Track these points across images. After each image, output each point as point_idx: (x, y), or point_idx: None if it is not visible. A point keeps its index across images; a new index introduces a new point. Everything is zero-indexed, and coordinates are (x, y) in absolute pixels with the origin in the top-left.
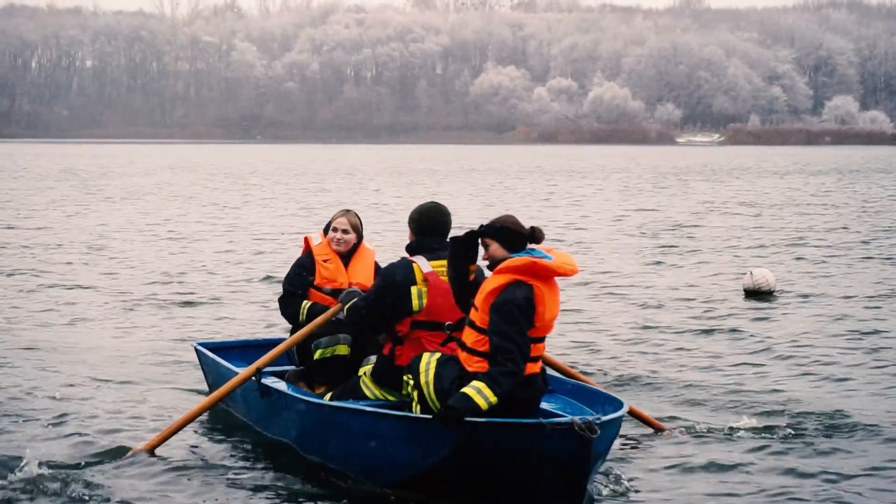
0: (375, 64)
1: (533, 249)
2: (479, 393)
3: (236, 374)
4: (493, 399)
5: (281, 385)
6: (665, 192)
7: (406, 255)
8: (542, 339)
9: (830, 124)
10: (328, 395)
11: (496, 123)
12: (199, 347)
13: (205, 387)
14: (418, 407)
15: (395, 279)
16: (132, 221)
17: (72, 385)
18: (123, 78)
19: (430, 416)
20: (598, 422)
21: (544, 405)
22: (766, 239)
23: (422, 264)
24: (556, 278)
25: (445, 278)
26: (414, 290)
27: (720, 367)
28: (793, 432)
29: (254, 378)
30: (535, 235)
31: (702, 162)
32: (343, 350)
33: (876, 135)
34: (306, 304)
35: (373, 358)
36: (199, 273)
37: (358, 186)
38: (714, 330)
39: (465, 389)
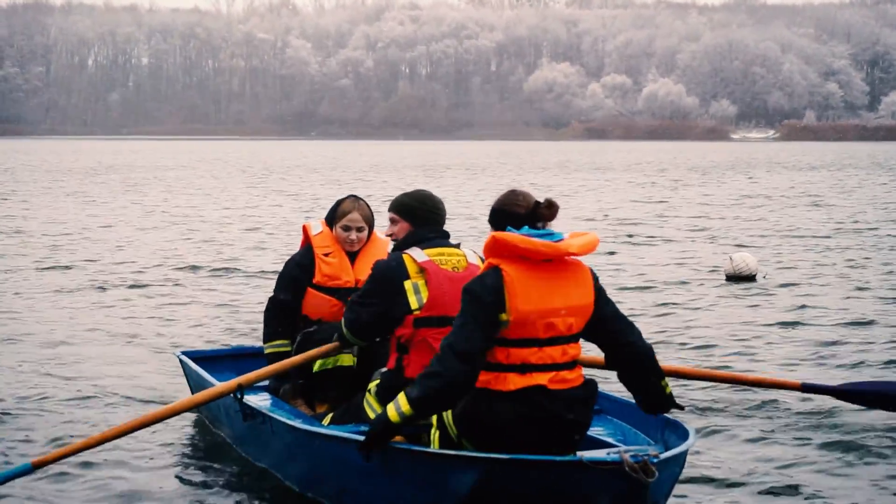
0: (430, 61)
1: (547, 230)
2: (394, 402)
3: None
4: (406, 408)
5: (267, 404)
6: (684, 186)
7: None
8: (559, 341)
9: (887, 120)
10: (328, 417)
11: (550, 119)
12: (183, 357)
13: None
14: (437, 434)
15: (382, 278)
16: (146, 214)
17: (45, 397)
18: (179, 75)
19: (451, 452)
20: (655, 460)
21: (591, 430)
22: (761, 229)
23: (415, 254)
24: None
25: (447, 266)
26: (408, 284)
27: (695, 350)
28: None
29: (235, 396)
30: (538, 212)
31: (741, 157)
32: (347, 360)
33: None
34: (299, 338)
35: (382, 371)
36: (198, 271)
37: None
38: (692, 312)
39: None
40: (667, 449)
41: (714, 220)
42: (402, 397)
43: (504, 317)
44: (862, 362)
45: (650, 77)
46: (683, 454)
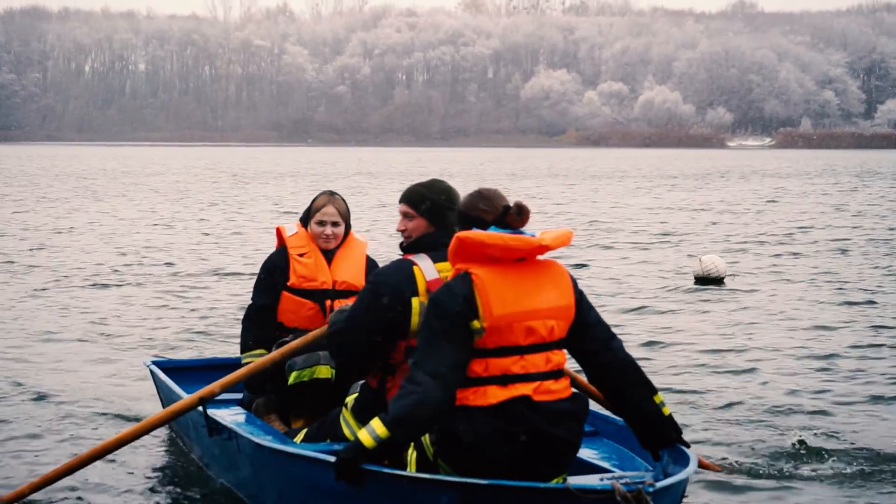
0: (426, 67)
1: (517, 230)
2: (368, 426)
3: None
4: (382, 432)
5: (238, 419)
6: (670, 191)
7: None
8: (541, 348)
9: (883, 128)
10: (302, 433)
11: (547, 127)
12: (153, 367)
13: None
14: (413, 455)
15: (390, 288)
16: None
17: (11, 420)
18: (175, 81)
19: (427, 476)
20: (651, 489)
21: (582, 453)
22: (733, 233)
23: (425, 267)
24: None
25: None
26: (415, 302)
27: (664, 350)
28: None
29: (200, 410)
30: (507, 220)
31: (732, 165)
32: (325, 372)
33: None
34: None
35: (361, 384)
36: (172, 277)
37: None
38: (659, 315)
39: None
40: (665, 476)
41: (688, 225)
42: (376, 421)
43: (477, 324)
44: (829, 367)
45: (646, 84)
46: (683, 483)
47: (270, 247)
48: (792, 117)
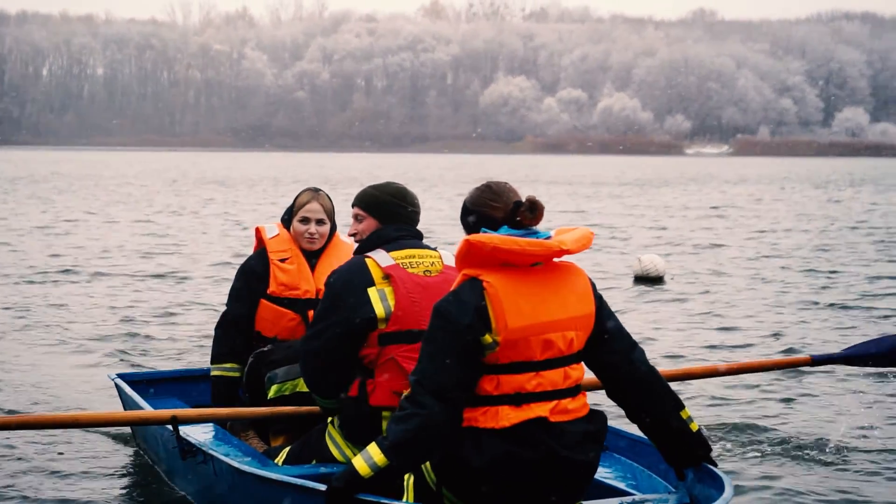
0: (386, 73)
1: (530, 230)
2: (364, 452)
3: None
4: (380, 459)
5: (211, 437)
6: (615, 198)
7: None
8: (559, 363)
9: (840, 136)
10: (284, 453)
11: (505, 133)
12: (118, 381)
13: (126, 429)
14: (411, 480)
15: (341, 286)
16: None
17: None
18: (134, 86)
19: None
20: None
21: (599, 474)
22: (676, 236)
23: (378, 257)
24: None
25: (418, 270)
26: (372, 292)
27: None
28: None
29: (171, 429)
30: (518, 216)
31: (685, 171)
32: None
33: (886, 147)
34: (251, 361)
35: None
36: (135, 282)
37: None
38: None
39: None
40: (691, 499)
41: (630, 229)
42: (373, 447)
43: (490, 339)
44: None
45: (605, 91)
46: None
47: (231, 251)
48: (750, 125)
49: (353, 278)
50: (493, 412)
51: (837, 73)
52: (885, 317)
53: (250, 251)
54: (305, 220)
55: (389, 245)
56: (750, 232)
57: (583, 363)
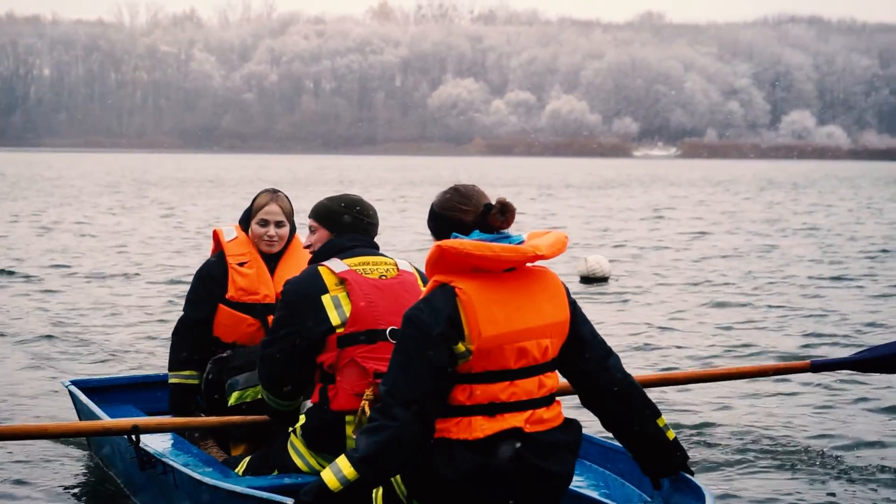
0: (334, 75)
1: (503, 234)
2: (333, 465)
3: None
4: (350, 472)
5: (169, 446)
6: (558, 200)
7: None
8: (533, 371)
9: (787, 139)
10: (245, 463)
11: (454, 135)
12: (72, 387)
13: (81, 438)
14: (379, 493)
15: (295, 295)
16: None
17: None
18: (81, 87)
19: None
20: None
21: (573, 484)
22: (622, 238)
23: (333, 265)
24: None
25: (372, 274)
26: (326, 299)
27: None
28: None
29: (130, 440)
30: (488, 219)
31: (631, 174)
32: None
33: (832, 150)
34: (211, 366)
35: (308, 403)
36: (84, 290)
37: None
38: None
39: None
40: None
41: (576, 230)
42: (343, 460)
43: (462, 347)
44: (716, 355)
45: (553, 94)
46: None
47: (176, 253)
48: (697, 127)
49: (307, 288)
50: (465, 423)
51: (784, 76)
52: (821, 315)
53: (194, 252)
54: (264, 223)
55: (343, 253)
56: (692, 234)
57: (557, 372)
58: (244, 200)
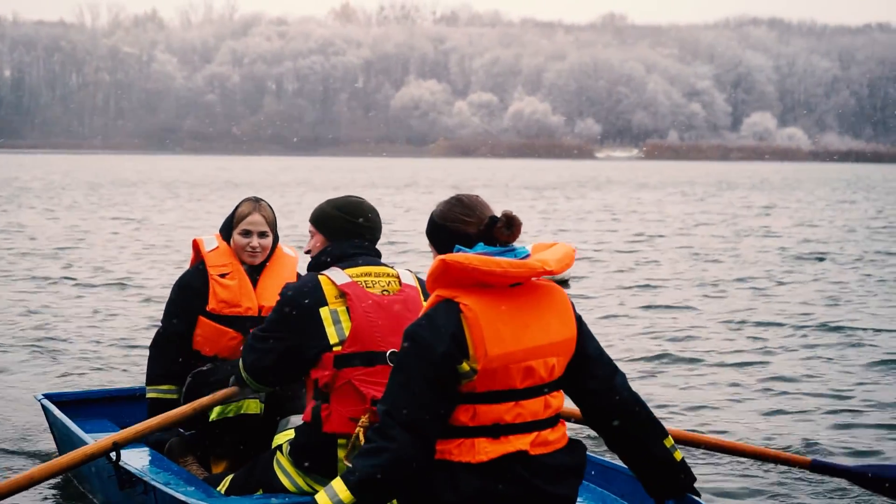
0: (296, 76)
1: (507, 247)
2: (328, 489)
3: (87, 443)
4: (346, 496)
5: (147, 464)
6: (515, 201)
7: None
8: (539, 391)
9: (748, 140)
10: (227, 481)
11: (416, 137)
12: (44, 401)
13: (55, 450)
14: None
15: (292, 304)
16: None
17: None
18: (42, 88)
19: None
20: None
21: None
22: (579, 240)
23: (334, 275)
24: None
25: (375, 289)
26: (325, 312)
27: None
28: None
29: (109, 458)
30: (494, 233)
31: (595, 175)
32: (253, 407)
33: (793, 151)
34: (190, 380)
35: (295, 419)
36: (56, 296)
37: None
38: None
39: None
40: None
41: (535, 233)
42: (338, 483)
43: (467, 366)
44: (662, 354)
45: (516, 95)
46: None
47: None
48: (659, 129)
49: (305, 298)
50: (468, 445)
51: (745, 77)
52: (770, 324)
53: (159, 259)
54: (247, 233)
55: (344, 262)
56: (650, 235)
57: (562, 391)
58: (200, 203)
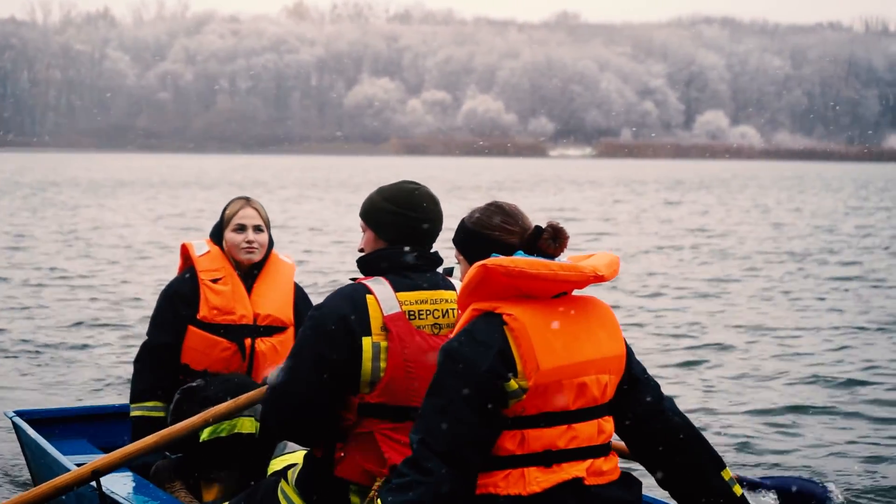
0: (250, 74)
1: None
2: None
3: (66, 467)
4: None
5: (131, 490)
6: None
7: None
8: (592, 413)
9: (701, 139)
10: None
11: (370, 135)
12: (16, 419)
13: (26, 474)
14: None
15: (338, 322)
16: None
17: None
18: None
19: None
20: None
21: None
22: None
23: (381, 296)
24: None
25: (426, 322)
26: (367, 343)
27: None
28: None
29: (92, 485)
30: (539, 243)
31: (547, 173)
32: (248, 426)
33: (745, 150)
34: (179, 397)
35: (292, 444)
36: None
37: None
38: None
39: None
40: None
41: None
42: None
43: (515, 384)
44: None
45: (469, 93)
46: None
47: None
48: (613, 127)
49: (350, 321)
50: (517, 476)
51: (698, 76)
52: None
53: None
54: (241, 228)
55: (397, 277)
56: (595, 233)
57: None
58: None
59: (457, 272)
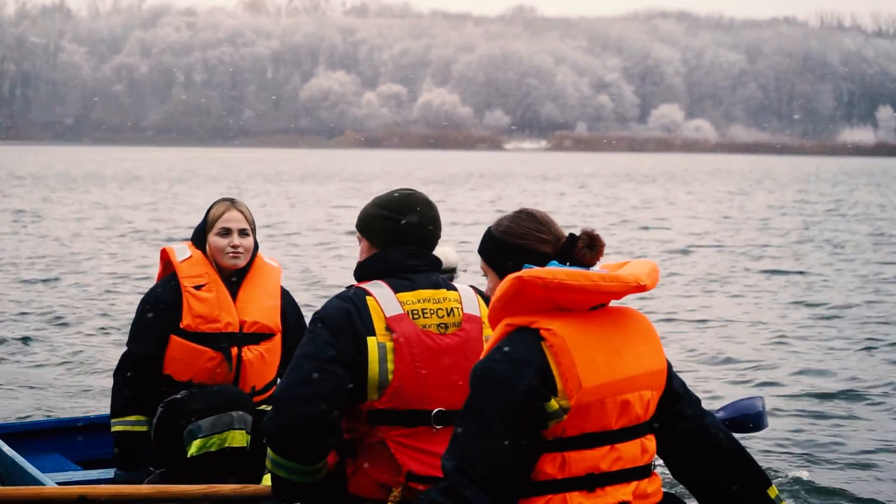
0: (205, 67)
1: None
2: None
3: (41, 481)
4: None
5: None
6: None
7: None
8: (635, 432)
9: (656, 132)
10: None
11: (326, 128)
12: None
13: None
14: None
15: (340, 324)
16: None
17: None
18: None
19: None
20: None
21: None
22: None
23: (381, 297)
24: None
25: (430, 322)
26: (373, 344)
27: None
28: None
29: None
30: (575, 251)
31: (500, 167)
32: (239, 440)
33: (700, 143)
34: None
35: None
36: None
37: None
38: None
39: None
40: None
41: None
42: None
43: (556, 404)
44: None
45: (425, 87)
46: None
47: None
48: (568, 120)
49: (355, 319)
50: (558, 502)
51: (653, 70)
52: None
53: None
54: (226, 232)
55: (395, 279)
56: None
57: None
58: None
59: (464, 278)
